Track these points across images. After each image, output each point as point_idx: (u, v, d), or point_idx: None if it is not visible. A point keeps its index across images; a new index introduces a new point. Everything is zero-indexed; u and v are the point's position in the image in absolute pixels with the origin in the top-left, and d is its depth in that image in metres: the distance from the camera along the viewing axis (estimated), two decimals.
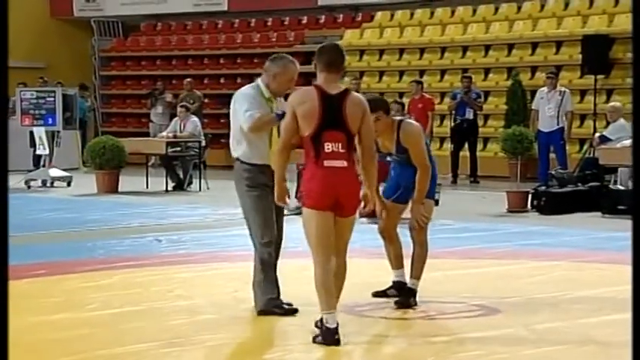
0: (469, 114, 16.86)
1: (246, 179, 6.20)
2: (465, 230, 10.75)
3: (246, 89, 6.34)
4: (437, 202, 12.26)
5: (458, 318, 6.23)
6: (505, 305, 6.57)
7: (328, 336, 5.36)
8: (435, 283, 7.42)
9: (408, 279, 6.61)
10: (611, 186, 12.78)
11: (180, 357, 5.38)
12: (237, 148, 6.27)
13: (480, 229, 10.86)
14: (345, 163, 5.51)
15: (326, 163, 5.51)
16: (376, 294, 6.73)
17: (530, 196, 12.71)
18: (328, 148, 5.51)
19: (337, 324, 5.37)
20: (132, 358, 5.35)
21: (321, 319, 5.40)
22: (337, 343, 5.36)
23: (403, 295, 6.53)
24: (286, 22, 22.32)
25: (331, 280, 5.44)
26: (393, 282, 6.75)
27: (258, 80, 6.35)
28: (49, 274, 7.97)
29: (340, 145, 5.51)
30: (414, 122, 6.70)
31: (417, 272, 6.56)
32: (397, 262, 6.76)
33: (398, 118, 6.77)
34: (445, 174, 17.33)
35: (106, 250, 9.35)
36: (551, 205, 12.46)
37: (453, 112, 17.11)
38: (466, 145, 17.01)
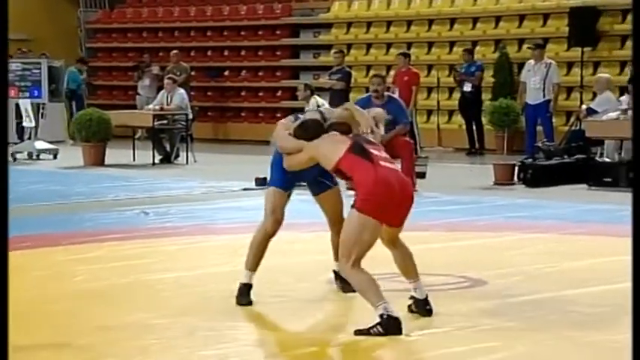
0: (467, 87, 16.90)
1: None
2: (451, 203, 10.78)
3: None
4: (424, 175, 12.42)
5: (443, 290, 6.26)
6: (491, 277, 6.61)
7: (391, 326, 5.09)
8: (421, 255, 7.44)
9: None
10: (597, 158, 12.82)
11: (170, 329, 5.39)
12: None
13: (467, 201, 10.89)
14: (397, 166, 5.42)
15: (382, 163, 5.32)
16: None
17: (516, 168, 12.74)
18: (374, 151, 5.35)
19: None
20: (123, 330, 5.36)
21: (381, 315, 5.10)
22: (400, 332, 5.09)
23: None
24: None
25: (371, 277, 5.25)
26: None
27: None
28: (36, 246, 7.97)
29: (379, 148, 5.42)
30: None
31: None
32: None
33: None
34: (432, 146, 17.38)
35: (92, 223, 9.35)
36: (538, 177, 12.50)
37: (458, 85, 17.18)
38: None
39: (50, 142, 16.95)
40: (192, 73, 20.31)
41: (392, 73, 17.53)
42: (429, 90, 18.29)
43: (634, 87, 10.08)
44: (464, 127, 17.49)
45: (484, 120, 16.23)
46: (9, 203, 3.98)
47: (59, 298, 6.13)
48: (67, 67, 20.14)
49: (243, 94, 21.29)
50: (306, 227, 8.15)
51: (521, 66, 16.59)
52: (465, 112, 17.16)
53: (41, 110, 16.79)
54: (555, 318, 5.51)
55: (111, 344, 5.11)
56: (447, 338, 5.17)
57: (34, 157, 16.51)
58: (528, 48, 16.47)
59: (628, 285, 6.44)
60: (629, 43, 16.96)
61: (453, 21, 19.11)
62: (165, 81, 16.38)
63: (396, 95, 12.34)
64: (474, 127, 16.96)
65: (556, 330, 5.30)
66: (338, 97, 16.59)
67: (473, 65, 17.09)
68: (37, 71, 16.75)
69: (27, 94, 16.72)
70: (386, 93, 11.83)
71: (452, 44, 18.87)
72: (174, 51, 20.22)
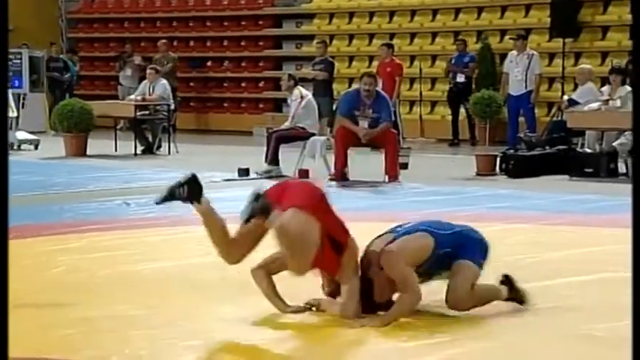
0: (460, 77, 16.91)
1: None
2: (433, 194, 10.80)
3: None
4: (406, 166, 12.45)
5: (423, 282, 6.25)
6: None
7: None
8: None
9: None
10: (578, 149, 12.87)
11: (151, 320, 5.38)
12: None
13: (448, 192, 10.92)
14: None
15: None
16: None
17: (498, 159, 12.77)
18: None
19: None
20: (105, 321, 5.35)
21: None
22: None
23: None
24: None
25: None
26: None
27: None
28: (17, 237, 7.91)
29: None
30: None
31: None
32: None
33: None
34: (414, 137, 17.41)
35: (73, 214, 9.31)
36: (519, 168, 12.54)
37: (449, 76, 17.16)
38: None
39: (31, 133, 16.87)
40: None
41: (375, 63, 17.53)
42: (412, 81, 18.31)
43: (633, 87, 10.11)
44: (447, 117, 17.51)
45: (466, 111, 16.26)
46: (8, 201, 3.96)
47: (39, 290, 6.10)
48: (53, 58, 20.08)
49: (225, 84, 21.26)
50: None
51: (503, 57, 16.62)
52: (454, 103, 17.12)
53: (22, 100, 16.69)
54: (536, 308, 5.53)
55: (92, 335, 5.10)
56: (427, 328, 5.17)
57: (15, 147, 16.42)
58: (511, 39, 16.52)
59: (608, 275, 6.50)
60: (610, 34, 17.03)
61: (435, 12, 19.12)
62: (148, 71, 16.32)
63: (383, 93, 12.41)
64: (466, 118, 16.93)
65: (536, 320, 5.32)
66: (321, 88, 16.61)
67: (466, 56, 17.10)
68: (18, 61, 16.66)
69: (8, 84, 16.62)
70: (375, 90, 11.95)
71: (434, 35, 18.90)
72: (163, 40, 20.15)
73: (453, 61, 17.17)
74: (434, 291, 5.45)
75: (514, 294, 5.51)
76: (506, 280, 5.56)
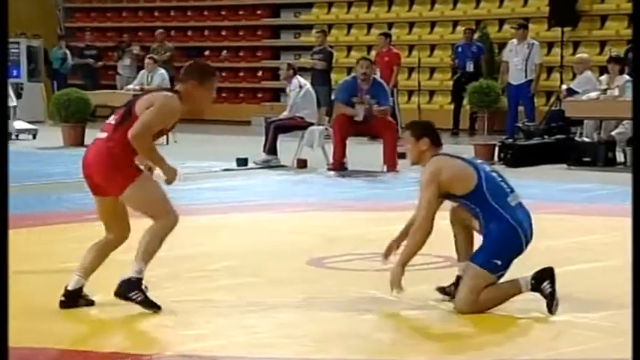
0: (469, 67, 16.82)
1: None
2: None
3: None
4: (405, 155, 12.31)
5: (423, 270, 6.27)
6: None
7: None
8: None
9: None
10: (576, 138, 12.87)
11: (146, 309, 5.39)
12: None
13: None
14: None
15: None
16: (439, 290, 5.56)
17: (497, 148, 12.77)
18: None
19: None
20: (102, 308, 5.35)
21: None
22: None
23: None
24: None
25: None
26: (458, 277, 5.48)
27: None
28: (15, 226, 7.91)
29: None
30: (436, 159, 5.41)
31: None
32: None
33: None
34: None
35: (71, 203, 9.30)
36: (518, 157, 12.53)
37: (456, 65, 17.06)
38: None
39: (29, 122, 16.85)
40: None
41: (373, 53, 17.51)
42: (410, 70, 18.28)
43: (634, 85, 10.08)
44: (445, 107, 17.47)
45: (465, 101, 16.21)
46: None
47: (35, 279, 6.10)
48: (50, 48, 20.09)
49: (223, 74, 21.17)
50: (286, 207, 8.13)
51: (501, 46, 16.59)
52: (458, 92, 16.92)
53: (19, 90, 16.69)
54: (534, 297, 5.53)
55: (93, 323, 5.10)
56: (428, 317, 5.18)
57: (13, 137, 16.41)
58: (512, 28, 16.44)
59: (606, 264, 6.50)
60: (608, 23, 17.01)
61: (433, 1, 19.09)
62: (146, 61, 16.30)
63: (380, 79, 12.47)
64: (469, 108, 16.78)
65: (535, 309, 5.32)
66: (319, 77, 16.59)
67: (473, 45, 17.04)
68: (16, 51, 16.65)
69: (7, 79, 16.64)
70: (372, 75, 12.01)
71: (433, 24, 18.86)
72: (159, 30, 20.11)
73: (460, 49, 17.07)
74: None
75: (546, 298, 5.26)
76: (537, 282, 5.29)
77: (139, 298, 5.20)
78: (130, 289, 5.20)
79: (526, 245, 5.33)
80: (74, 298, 5.34)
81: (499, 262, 5.23)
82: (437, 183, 5.25)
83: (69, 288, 5.36)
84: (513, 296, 5.28)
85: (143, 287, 5.25)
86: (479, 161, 5.56)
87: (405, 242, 5.42)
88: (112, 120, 5.42)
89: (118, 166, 5.26)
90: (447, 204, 5.46)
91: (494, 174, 5.43)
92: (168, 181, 5.34)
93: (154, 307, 5.23)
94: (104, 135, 5.39)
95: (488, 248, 5.26)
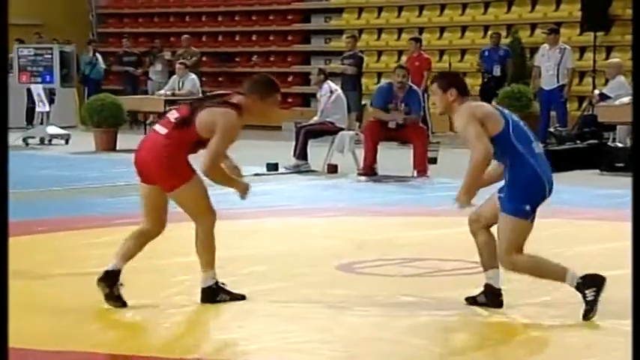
0: (496, 71, 16.79)
1: None
2: None
3: None
4: (435, 160, 12.41)
5: (455, 275, 6.25)
6: None
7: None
8: (433, 240, 7.44)
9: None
10: (609, 143, 12.78)
11: (178, 314, 5.41)
12: None
13: None
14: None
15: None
16: (467, 300, 5.56)
17: None
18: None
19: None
20: (136, 311, 5.38)
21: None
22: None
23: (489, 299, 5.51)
24: None
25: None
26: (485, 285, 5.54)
27: None
28: (48, 230, 7.99)
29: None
30: (466, 105, 5.46)
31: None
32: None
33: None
34: (443, 132, 17.34)
35: (104, 208, 9.37)
36: (550, 162, 12.43)
37: (482, 69, 17.03)
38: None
39: (62, 128, 16.98)
40: (204, 58, 20.31)
41: (404, 58, 17.49)
42: (463, 75, 18.23)
43: (634, 85, 10.05)
44: None
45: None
46: (13, 188, 3.99)
47: (71, 282, 6.14)
48: (82, 53, 20.23)
49: None
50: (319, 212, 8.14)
51: (533, 51, 16.51)
52: (486, 97, 16.88)
53: (52, 96, 16.83)
54: (567, 301, 5.50)
55: (120, 327, 5.13)
56: (455, 324, 5.16)
57: (46, 142, 16.55)
58: (543, 33, 16.36)
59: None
60: None
61: (464, 6, 19.04)
62: (177, 66, 16.38)
63: (415, 87, 12.61)
64: None
65: (570, 315, 5.29)
66: (350, 82, 16.60)
67: (500, 49, 16.99)
68: (49, 56, 16.79)
69: (39, 79, 16.77)
70: (408, 84, 12.17)
71: (464, 29, 18.82)
72: (185, 35, 20.22)
73: (486, 54, 17.02)
74: None
75: (586, 305, 5.27)
76: (584, 285, 5.30)
77: (227, 299, 5.50)
78: (214, 295, 5.51)
79: (549, 193, 5.42)
80: (111, 278, 5.44)
81: (528, 207, 5.31)
82: (475, 120, 5.31)
83: (107, 269, 5.47)
84: (554, 280, 5.31)
85: (221, 284, 5.54)
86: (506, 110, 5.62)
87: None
88: (171, 117, 5.44)
89: (173, 167, 5.37)
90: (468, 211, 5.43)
91: (520, 122, 5.53)
92: (242, 197, 5.59)
93: (241, 298, 5.56)
94: (163, 131, 5.45)
95: (516, 195, 5.34)
